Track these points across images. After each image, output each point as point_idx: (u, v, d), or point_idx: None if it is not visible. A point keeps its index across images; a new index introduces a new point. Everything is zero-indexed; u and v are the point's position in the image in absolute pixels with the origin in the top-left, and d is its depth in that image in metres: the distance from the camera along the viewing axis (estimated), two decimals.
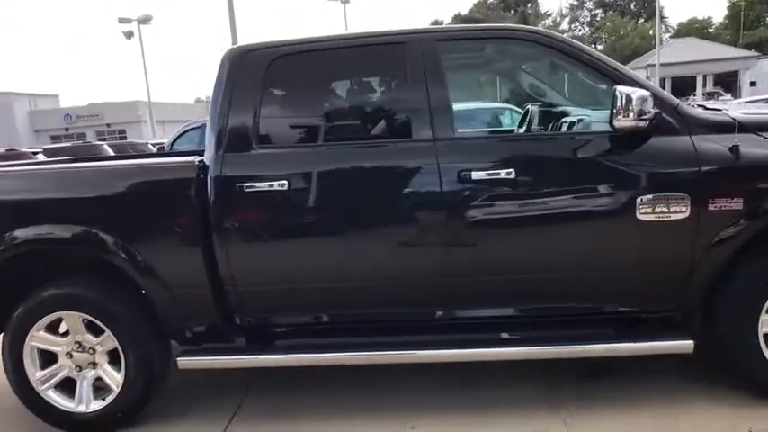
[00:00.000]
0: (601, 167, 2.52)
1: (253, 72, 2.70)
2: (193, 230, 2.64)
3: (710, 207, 2.43)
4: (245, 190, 2.58)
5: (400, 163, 2.59)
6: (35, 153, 14.26)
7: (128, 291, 2.74)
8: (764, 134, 2.48)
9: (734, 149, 2.42)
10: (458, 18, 49.26)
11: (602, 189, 2.50)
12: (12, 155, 13.36)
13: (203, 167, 2.65)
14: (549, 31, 2.65)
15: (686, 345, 2.52)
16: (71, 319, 2.79)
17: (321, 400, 2.98)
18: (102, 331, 2.77)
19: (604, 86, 2.58)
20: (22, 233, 2.66)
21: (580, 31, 52.68)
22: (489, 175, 2.49)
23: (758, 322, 2.52)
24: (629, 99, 2.28)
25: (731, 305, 2.55)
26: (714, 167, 2.44)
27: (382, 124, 2.72)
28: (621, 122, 2.31)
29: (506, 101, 2.99)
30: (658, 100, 2.50)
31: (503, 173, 2.49)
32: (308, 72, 2.76)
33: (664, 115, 2.50)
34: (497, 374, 3.01)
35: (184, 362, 2.78)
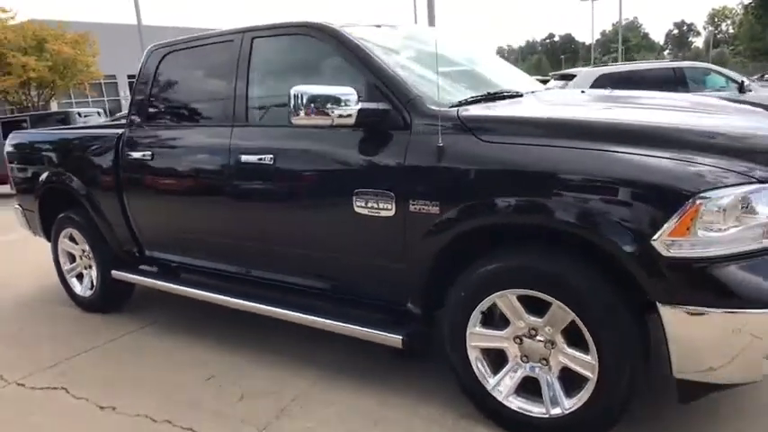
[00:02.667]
0: (330, 159, 2.63)
1: (152, 65, 3.55)
2: (115, 182, 3.70)
3: (411, 208, 2.36)
4: (128, 157, 3.50)
5: (214, 142, 3.12)
6: None
7: (93, 219, 3.98)
8: (485, 136, 2.23)
9: (438, 150, 2.28)
10: None
11: (330, 179, 2.64)
12: None
13: (120, 138, 3.65)
14: (334, 27, 2.74)
15: (395, 339, 2.53)
16: (76, 234, 4.21)
17: (208, 334, 3.80)
18: None
19: (366, 82, 2.59)
20: (41, 174, 4.14)
21: None
22: (257, 159, 2.86)
23: (465, 335, 2.36)
24: (312, 99, 2.37)
25: (447, 313, 2.43)
26: (414, 168, 2.34)
27: (211, 110, 3.25)
28: (297, 120, 2.41)
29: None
30: (390, 94, 2.47)
31: (266, 158, 2.84)
32: (178, 65, 3.46)
33: (392, 111, 2.46)
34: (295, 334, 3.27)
35: (115, 274, 3.94)
